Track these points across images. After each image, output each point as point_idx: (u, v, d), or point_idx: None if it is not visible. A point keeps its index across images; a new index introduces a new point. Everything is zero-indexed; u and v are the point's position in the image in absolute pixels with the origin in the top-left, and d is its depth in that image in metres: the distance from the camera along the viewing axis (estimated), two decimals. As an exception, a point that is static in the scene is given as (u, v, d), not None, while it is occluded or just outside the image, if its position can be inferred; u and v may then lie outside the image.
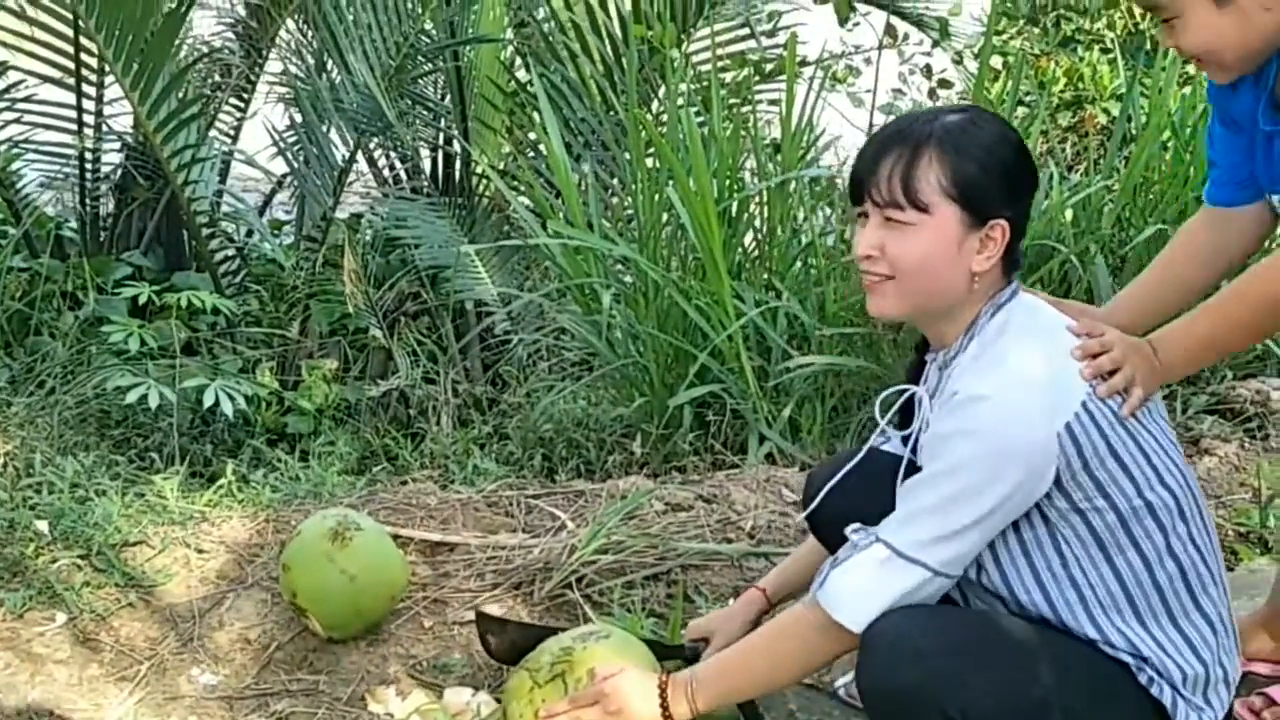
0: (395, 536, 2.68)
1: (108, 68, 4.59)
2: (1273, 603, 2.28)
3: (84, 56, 4.81)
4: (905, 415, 1.86)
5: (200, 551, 2.70)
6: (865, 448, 1.89)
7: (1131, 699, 1.63)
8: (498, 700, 2.23)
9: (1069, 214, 4.31)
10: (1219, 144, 2.06)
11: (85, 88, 4.89)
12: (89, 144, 5.02)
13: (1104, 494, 1.62)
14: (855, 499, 1.84)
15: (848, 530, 1.75)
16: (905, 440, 1.79)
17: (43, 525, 2.65)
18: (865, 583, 1.65)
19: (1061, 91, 6.22)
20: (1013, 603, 1.69)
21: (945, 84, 5.71)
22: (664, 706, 1.80)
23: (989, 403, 1.60)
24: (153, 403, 3.80)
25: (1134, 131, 4.81)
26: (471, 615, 2.55)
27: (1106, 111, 6.10)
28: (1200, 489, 1.75)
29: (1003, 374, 1.63)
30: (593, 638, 2.06)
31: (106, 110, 5.05)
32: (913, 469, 1.73)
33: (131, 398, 3.79)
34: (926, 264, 1.66)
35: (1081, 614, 1.65)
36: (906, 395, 1.84)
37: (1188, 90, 4.72)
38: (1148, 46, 6.13)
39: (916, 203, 1.64)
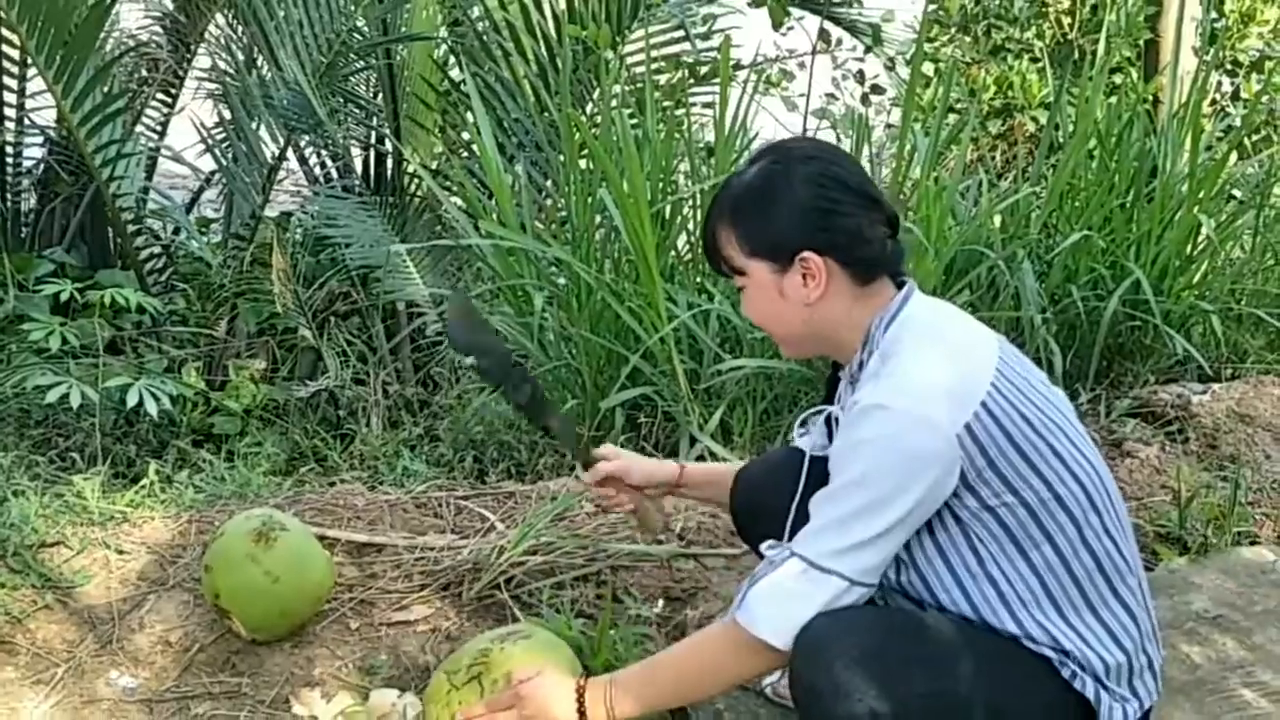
0: (321, 537, 2.65)
1: (30, 60, 4.49)
2: None
3: (4, 48, 4.71)
4: (832, 431, 1.88)
5: (120, 552, 2.65)
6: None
7: (1055, 693, 1.66)
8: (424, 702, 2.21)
9: (997, 220, 4.38)
10: None
11: (6, 80, 4.79)
12: (10, 138, 4.90)
13: (1011, 489, 1.64)
14: (774, 493, 1.87)
15: (763, 547, 1.76)
16: (824, 458, 1.80)
17: (-44, 526, 2.58)
18: (783, 597, 1.67)
19: (991, 99, 6.32)
20: (933, 604, 1.72)
21: (877, 90, 5.76)
22: (580, 711, 1.79)
23: (887, 411, 1.63)
24: (74, 402, 3.72)
25: (1061, 139, 4.89)
26: (399, 617, 2.54)
27: (1035, 120, 6.20)
28: (1113, 480, 1.78)
29: (899, 381, 1.65)
30: (512, 638, 2.05)
31: (28, 103, 4.94)
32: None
33: (52, 397, 3.71)
34: (764, 314, 1.82)
35: (1002, 610, 1.67)
36: (827, 413, 1.87)
37: (1114, 99, 4.82)
38: (1075, 56, 6.25)
39: (734, 269, 1.80)
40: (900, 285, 1.79)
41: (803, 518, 1.74)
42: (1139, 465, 3.48)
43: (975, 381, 1.66)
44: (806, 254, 1.72)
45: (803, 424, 2.05)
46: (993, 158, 6.03)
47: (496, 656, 1.98)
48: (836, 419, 1.81)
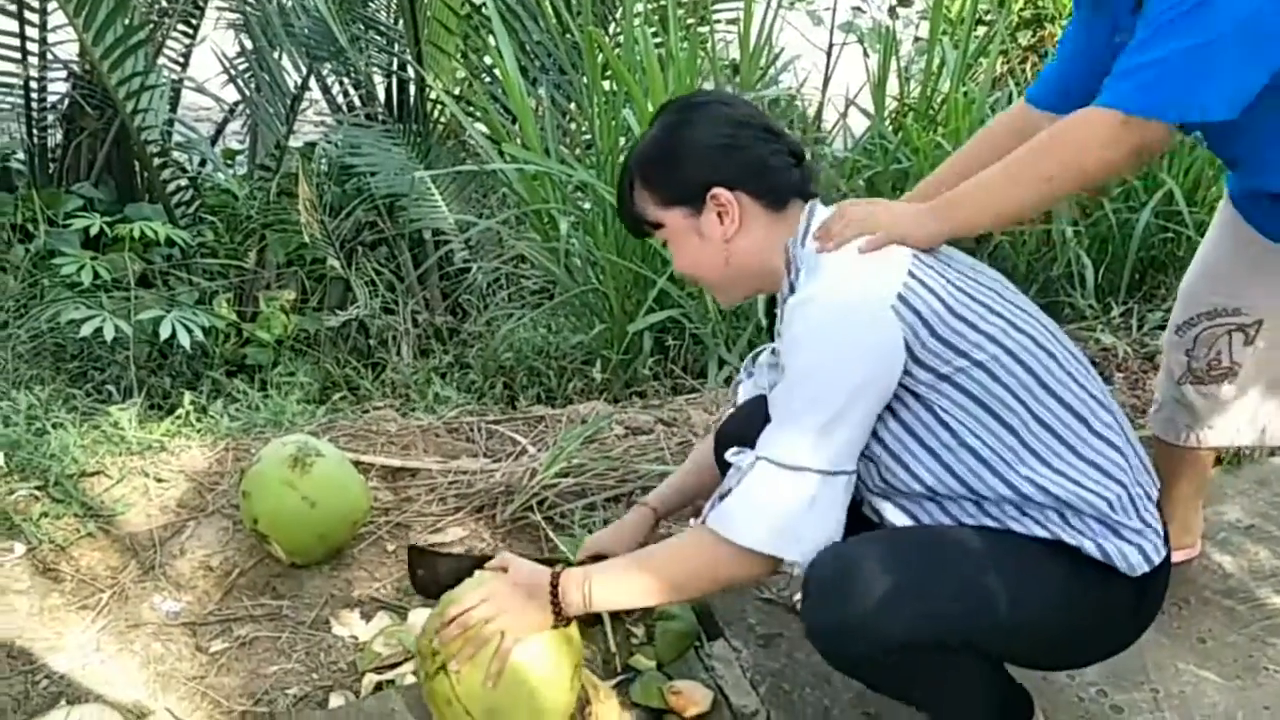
0: (356, 463, 2.68)
1: (50, -7, 4.48)
2: None
3: (25, -18, 4.69)
4: None
5: (159, 481, 2.69)
6: None
7: (1069, 568, 1.66)
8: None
9: (1027, 133, 4.31)
10: (1069, 42, 2.11)
11: (28, 14, 4.76)
12: (34, 73, 4.90)
13: (960, 353, 1.64)
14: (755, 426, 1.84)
15: (728, 454, 1.77)
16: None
17: (-2, 457, 2.63)
18: (756, 501, 1.68)
19: (1022, 10, 6.18)
20: (922, 491, 1.71)
21: (905, 2, 5.65)
22: (554, 596, 1.81)
23: (815, 301, 1.65)
24: (108, 335, 3.76)
25: (1092, 50, 4.79)
26: (434, 539, 2.57)
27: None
28: (1059, 329, 1.78)
29: (822, 275, 1.70)
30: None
31: (51, 38, 4.93)
32: None
33: (86, 330, 3.75)
34: (691, 260, 1.85)
35: (988, 475, 1.66)
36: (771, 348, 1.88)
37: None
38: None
39: (652, 224, 1.84)
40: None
41: None
42: (1171, 378, 3.46)
43: (897, 258, 1.69)
44: (716, 190, 1.76)
45: (754, 359, 2.08)
46: (1023, 70, 5.91)
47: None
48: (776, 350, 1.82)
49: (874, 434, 1.70)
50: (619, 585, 1.80)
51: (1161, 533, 1.72)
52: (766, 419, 1.73)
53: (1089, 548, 1.64)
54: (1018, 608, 1.63)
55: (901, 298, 1.63)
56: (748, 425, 1.89)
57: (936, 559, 1.66)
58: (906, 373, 1.64)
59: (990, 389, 1.65)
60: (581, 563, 2.13)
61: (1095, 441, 1.68)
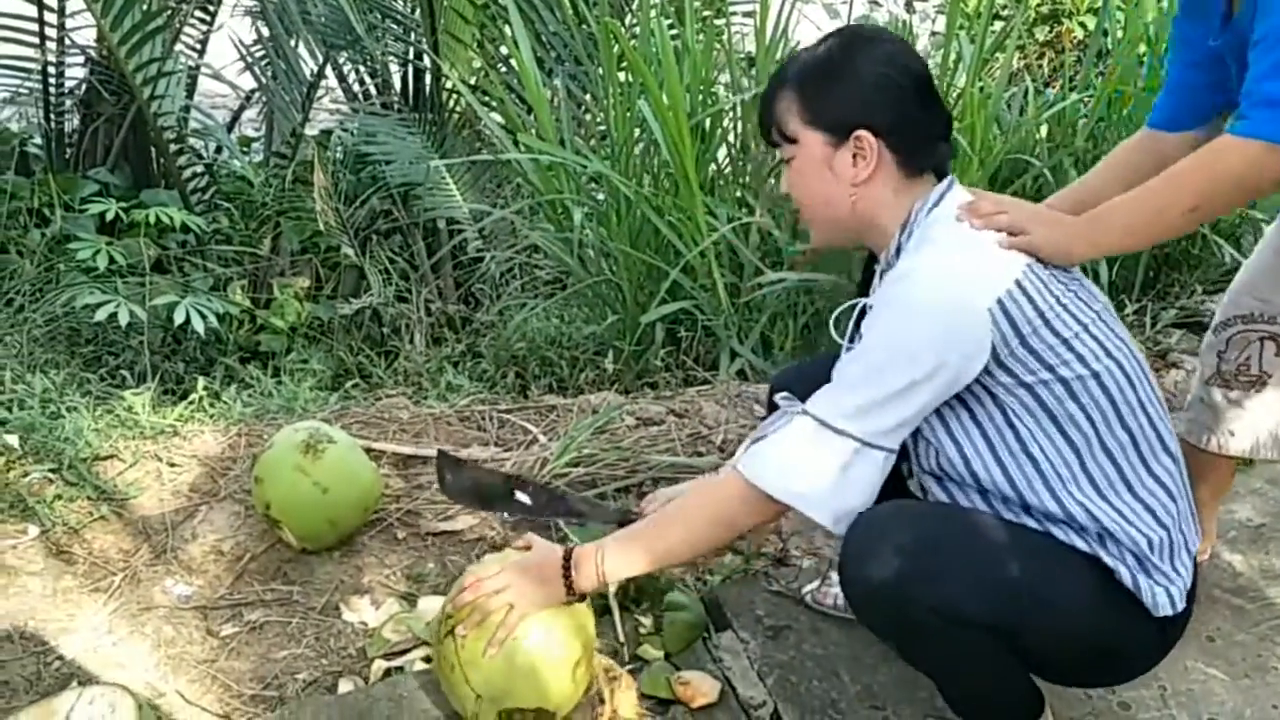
0: (368, 450, 2.69)
1: (68, -22, 4.50)
2: None
3: (43, -32, 4.71)
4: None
5: (172, 465, 2.71)
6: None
7: (1099, 584, 1.67)
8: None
9: (1044, 129, 4.30)
10: (1175, 65, 2.11)
11: (46, 0, 4.78)
12: (52, 58, 4.91)
13: (1047, 366, 1.64)
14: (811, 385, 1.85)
15: (778, 398, 1.77)
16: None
17: (13, 439, 2.64)
18: (791, 453, 1.67)
19: (1039, 5, 6.17)
20: (973, 485, 1.72)
21: (921, -4, 5.65)
22: (566, 574, 1.82)
23: (915, 275, 1.64)
24: (123, 320, 3.78)
25: (1110, 45, 4.78)
26: (445, 527, 2.58)
27: (1083, 25, 6.05)
28: (1145, 360, 1.77)
29: (930, 250, 1.67)
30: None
31: (69, 23, 4.94)
32: None
33: (101, 315, 3.77)
34: (809, 190, 1.79)
35: (1041, 489, 1.67)
36: (860, 306, 1.86)
37: (1164, 3, 4.68)
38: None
39: (786, 137, 1.77)
40: (941, 179, 1.79)
41: None
42: (1185, 377, 3.45)
43: (1011, 261, 1.66)
44: (862, 132, 1.71)
45: (837, 322, 2.04)
46: (1039, 65, 5.90)
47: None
48: (870, 307, 1.79)
49: (941, 420, 1.70)
50: (633, 551, 1.79)
51: (1189, 584, 1.73)
52: (825, 372, 1.72)
53: (1122, 573, 1.66)
54: (1047, 605, 1.64)
55: (1000, 302, 1.61)
56: (804, 371, 1.91)
57: (979, 539, 1.66)
58: (987, 372, 1.64)
59: (1066, 405, 1.65)
60: (631, 517, 2.17)
61: (1151, 483, 1.69)
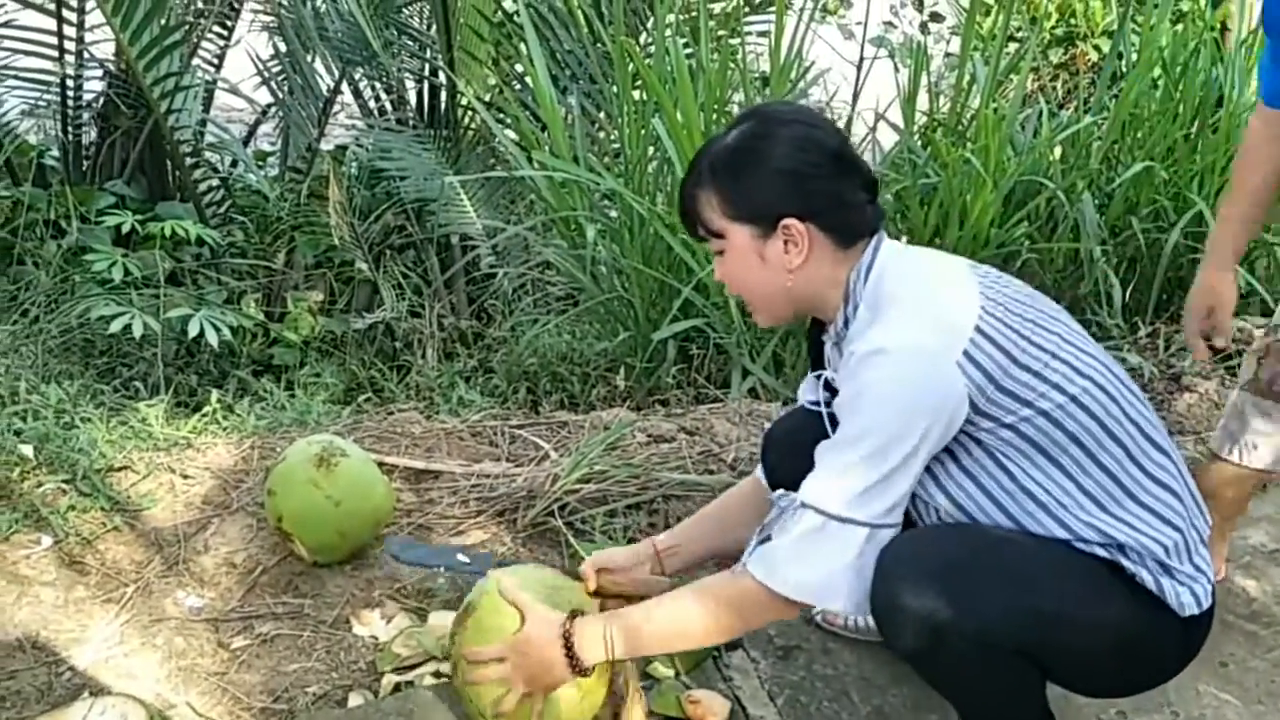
0: (380, 464, 2.70)
1: (88, -8, 4.54)
2: None
3: (64, -19, 4.74)
4: (833, 393, 1.87)
5: (185, 477, 2.72)
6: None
7: (1125, 593, 1.66)
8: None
9: (1057, 151, 4.31)
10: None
11: (66, 13, 4.82)
12: (70, 71, 4.95)
13: (1025, 403, 1.64)
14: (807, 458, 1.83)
15: (773, 496, 1.76)
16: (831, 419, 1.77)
17: (28, 450, 2.66)
18: (802, 551, 1.67)
19: (1053, 27, 6.18)
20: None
21: (936, 17, 5.66)
22: (569, 652, 1.79)
23: (883, 355, 1.62)
24: (137, 332, 3.80)
25: (1125, 68, 4.79)
26: (456, 541, 2.58)
27: (1098, 48, 6.06)
28: (1122, 369, 1.77)
29: (890, 324, 1.65)
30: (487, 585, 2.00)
31: (88, 36, 4.98)
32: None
33: (115, 327, 3.79)
34: (744, 281, 1.79)
35: (1046, 519, 1.67)
36: (821, 378, 1.87)
37: (1179, 27, 4.70)
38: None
39: (712, 232, 1.77)
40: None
41: None
42: (1198, 400, 3.45)
43: (965, 309, 1.66)
44: (790, 220, 1.71)
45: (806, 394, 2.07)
46: (1054, 87, 5.91)
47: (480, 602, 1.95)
48: (832, 380, 1.80)
49: (932, 477, 1.71)
50: (646, 632, 1.78)
51: (1211, 578, 1.73)
52: (812, 435, 1.73)
53: (1144, 577, 1.65)
54: (1075, 618, 1.64)
55: (966, 353, 1.61)
56: (795, 439, 1.89)
57: (1006, 559, 1.66)
58: (969, 421, 1.64)
59: (1051, 435, 1.65)
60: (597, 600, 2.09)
61: (1152, 486, 1.69)
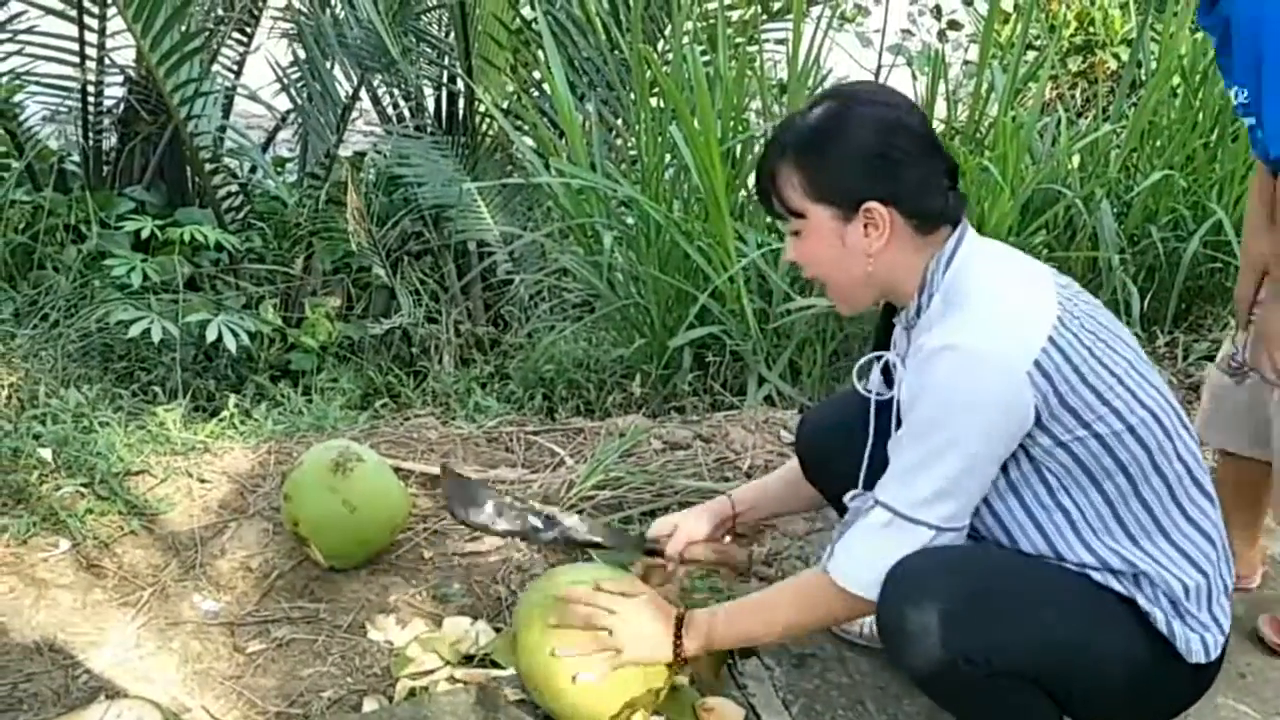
0: (396, 469, 2.70)
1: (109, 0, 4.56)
2: None
3: (86, -12, 4.77)
4: (888, 377, 1.87)
5: (202, 481, 2.73)
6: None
7: (1135, 628, 1.65)
8: (496, 630, 2.26)
9: (1076, 159, 4.29)
10: None
11: (87, 20, 4.85)
12: (91, 77, 4.98)
13: (1084, 424, 1.62)
14: (844, 437, 1.90)
15: (847, 498, 1.79)
16: (889, 403, 1.79)
17: (46, 453, 2.67)
18: (872, 550, 1.69)
19: (1072, 35, 6.16)
20: (1005, 538, 1.72)
21: (954, 25, 5.66)
22: (677, 638, 1.86)
23: (954, 353, 1.61)
24: (155, 337, 3.82)
25: (1144, 76, 4.77)
26: (472, 548, 2.59)
27: (1117, 57, 6.04)
28: (1180, 406, 1.75)
29: (966, 322, 1.63)
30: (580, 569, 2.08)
31: (109, 43, 5.01)
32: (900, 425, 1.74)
33: (134, 331, 3.81)
34: (824, 263, 1.77)
35: (1073, 539, 1.66)
36: (883, 360, 1.86)
37: (1199, 35, 4.67)
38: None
39: (792, 211, 1.74)
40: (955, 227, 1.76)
41: (877, 463, 1.75)
42: (1216, 409, 3.42)
43: (1041, 318, 1.64)
44: (872, 204, 1.68)
45: (858, 375, 2.05)
46: (1073, 96, 5.89)
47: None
48: (894, 364, 1.79)
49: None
50: (737, 629, 1.87)
51: (1226, 629, 1.72)
52: (856, 422, 1.79)
53: (1157, 617, 1.64)
54: (1084, 650, 1.63)
55: (1038, 363, 1.60)
56: (838, 425, 1.96)
57: (1017, 585, 1.67)
58: (1028, 434, 1.63)
59: (1100, 460, 1.64)
60: (652, 549, 2.20)
61: (1188, 528, 1.68)
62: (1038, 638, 1.62)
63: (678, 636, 1.86)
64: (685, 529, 2.18)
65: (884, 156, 1.68)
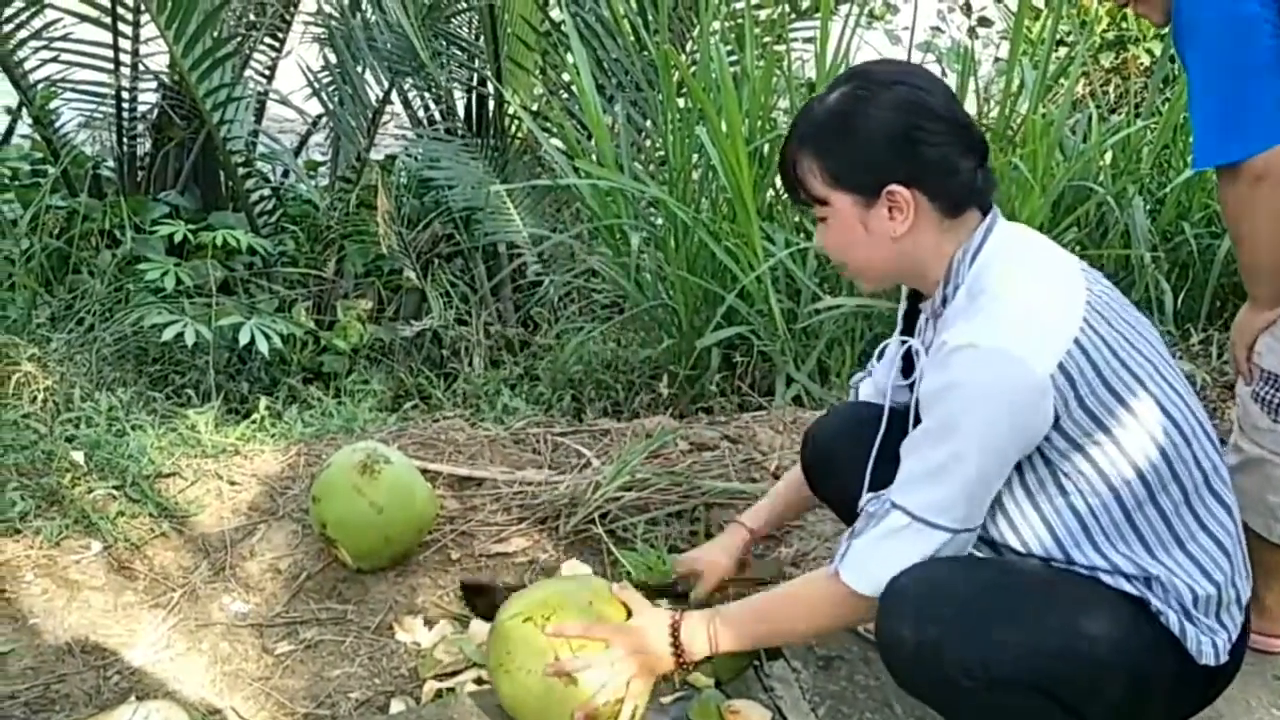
0: (424, 471, 2.72)
1: (143, 6, 4.60)
2: None
3: (119, -4, 4.82)
4: (908, 364, 1.86)
5: (232, 483, 2.75)
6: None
7: (1145, 631, 1.62)
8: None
9: (1108, 156, 4.26)
10: None
11: (121, 26, 4.90)
12: (125, 83, 5.03)
13: (1102, 427, 1.59)
14: (860, 446, 1.87)
15: (862, 502, 1.75)
16: (910, 389, 1.77)
17: (79, 456, 2.70)
18: (889, 553, 1.66)
19: (1104, 31, 6.10)
20: (1016, 540, 1.69)
21: (985, 22, 5.62)
22: (675, 644, 1.82)
23: (978, 351, 1.57)
24: (189, 340, 3.85)
25: (1176, 72, 4.72)
26: (499, 549, 2.60)
27: (1150, 53, 5.98)
28: (1203, 410, 1.72)
29: (989, 319, 1.59)
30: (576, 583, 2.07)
31: (142, 49, 5.06)
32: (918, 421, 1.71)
33: (168, 335, 3.84)
34: (846, 248, 1.75)
35: (1085, 543, 1.63)
36: (906, 346, 1.84)
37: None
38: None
39: (815, 198, 1.72)
40: (985, 212, 1.72)
41: (885, 464, 1.73)
42: (1251, 408, 3.38)
43: (1068, 317, 1.60)
44: (894, 187, 1.64)
45: (879, 355, 2.04)
46: (1105, 92, 5.84)
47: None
48: (917, 353, 1.76)
49: None
50: (745, 629, 1.83)
51: (1235, 635, 1.68)
52: (865, 430, 1.78)
53: (1169, 618, 1.61)
54: (1089, 657, 1.59)
55: (1061, 365, 1.56)
56: (846, 431, 1.96)
57: (1018, 595, 1.63)
58: (1044, 436, 1.60)
59: (1118, 465, 1.60)
60: (678, 588, 2.20)
61: (1202, 536, 1.65)
62: (1040, 646, 1.58)
63: (675, 641, 1.83)
64: (713, 572, 2.17)
65: (904, 137, 1.64)
